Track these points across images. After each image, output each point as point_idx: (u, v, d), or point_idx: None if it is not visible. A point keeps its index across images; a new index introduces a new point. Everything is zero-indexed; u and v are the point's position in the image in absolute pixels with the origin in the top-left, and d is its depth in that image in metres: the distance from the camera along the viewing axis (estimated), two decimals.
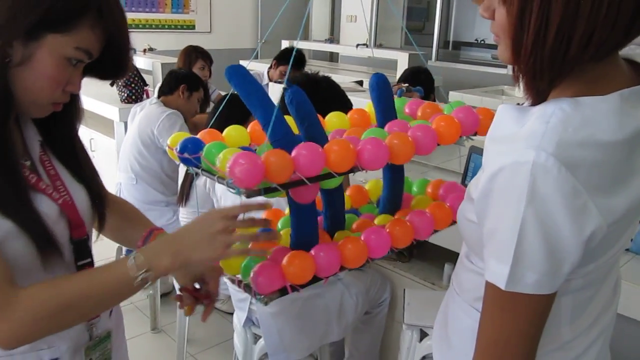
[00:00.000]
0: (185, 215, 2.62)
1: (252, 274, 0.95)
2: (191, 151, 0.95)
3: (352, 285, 1.98)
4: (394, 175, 1.23)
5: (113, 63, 0.96)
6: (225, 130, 1.05)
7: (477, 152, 2.07)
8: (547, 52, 0.71)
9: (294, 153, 0.90)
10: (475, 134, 1.18)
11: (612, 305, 0.95)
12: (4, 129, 0.87)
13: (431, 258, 2.20)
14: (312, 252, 1.00)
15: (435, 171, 2.66)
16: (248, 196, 0.86)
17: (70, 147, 1.03)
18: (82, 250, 1.00)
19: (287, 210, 1.22)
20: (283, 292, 0.98)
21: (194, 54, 3.57)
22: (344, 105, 1.73)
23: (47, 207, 0.93)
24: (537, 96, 0.80)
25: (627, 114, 0.74)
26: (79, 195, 1.01)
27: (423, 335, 1.76)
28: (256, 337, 1.97)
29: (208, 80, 3.70)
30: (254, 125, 1.11)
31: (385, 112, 1.19)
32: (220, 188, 1.99)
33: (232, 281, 1.03)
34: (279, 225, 1.20)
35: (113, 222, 1.12)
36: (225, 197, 1.96)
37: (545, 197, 0.70)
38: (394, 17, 6.70)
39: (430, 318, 1.79)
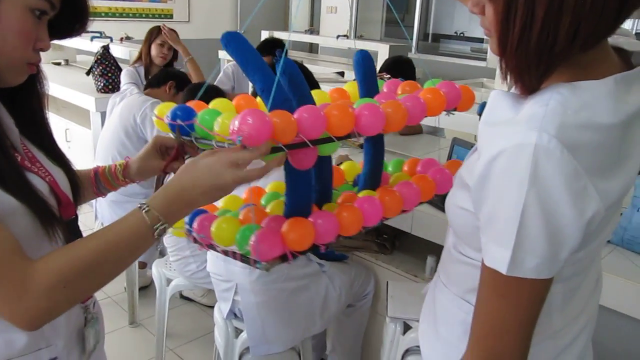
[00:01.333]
0: None
1: (252, 242, 0.94)
2: (183, 118, 0.94)
3: (336, 277, 1.97)
4: (375, 150, 1.24)
5: (74, 15, 0.94)
6: (212, 103, 1.05)
7: (459, 143, 2.07)
8: (532, 47, 0.71)
9: (296, 115, 0.91)
10: (455, 109, 1.22)
11: (595, 295, 0.96)
12: None
13: (413, 250, 2.20)
14: (311, 218, 1.01)
15: None
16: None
17: (43, 130, 1.00)
18: (73, 231, 0.97)
19: (267, 188, 1.25)
20: (284, 258, 0.98)
21: (156, 30, 3.43)
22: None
23: (39, 185, 0.89)
24: (527, 91, 0.79)
25: (621, 99, 0.74)
26: (59, 177, 0.98)
27: (406, 328, 1.76)
28: (237, 331, 1.94)
29: (173, 61, 3.49)
30: (239, 99, 1.11)
31: (369, 87, 1.20)
32: None
33: (226, 253, 1.02)
34: (263, 201, 1.20)
35: None
36: None
37: (547, 179, 0.69)
38: (374, 9, 6.68)
39: (413, 311, 1.79)
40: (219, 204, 1.20)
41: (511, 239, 0.72)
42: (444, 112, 1.19)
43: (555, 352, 0.90)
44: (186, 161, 0.94)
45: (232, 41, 0.94)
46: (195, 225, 1.06)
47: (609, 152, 0.74)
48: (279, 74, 0.97)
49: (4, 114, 0.91)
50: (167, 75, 2.90)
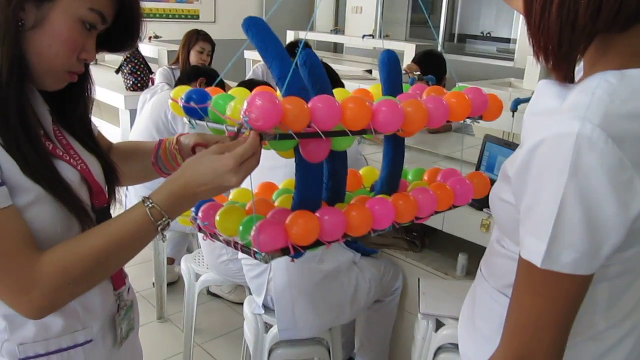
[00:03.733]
0: None
1: (253, 231, 0.92)
2: (197, 101, 0.94)
3: (367, 270, 1.97)
4: (395, 154, 1.21)
5: (125, 30, 0.95)
6: (231, 90, 1.04)
7: (491, 140, 2.04)
8: (553, 23, 0.70)
9: (310, 104, 0.89)
10: (480, 118, 1.16)
11: None
12: (21, 96, 0.84)
13: (444, 248, 2.18)
14: (317, 214, 0.97)
15: (446, 161, 2.63)
16: (262, 138, 0.85)
17: (82, 120, 1.01)
18: (105, 219, 0.97)
19: (280, 185, 1.23)
20: (285, 251, 0.95)
21: (195, 36, 3.50)
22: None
23: (69, 173, 0.90)
24: (561, 75, 0.77)
25: None
26: (93, 165, 0.99)
27: (438, 325, 1.74)
28: (267, 327, 1.94)
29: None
30: (258, 89, 1.08)
31: (393, 88, 1.17)
32: None
33: (228, 243, 1.00)
34: (274, 196, 1.19)
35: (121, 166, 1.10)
36: None
37: (589, 170, 0.67)
38: (398, 9, 6.66)
39: (445, 308, 1.77)
40: (230, 196, 1.19)
41: (547, 231, 0.70)
42: (469, 119, 1.15)
43: (596, 355, 0.85)
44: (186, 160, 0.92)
45: (253, 26, 0.93)
46: (200, 213, 1.05)
47: None
48: (299, 64, 0.97)
49: (39, 102, 0.92)
50: (197, 72, 2.91)
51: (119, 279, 1.04)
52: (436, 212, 1.17)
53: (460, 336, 1.05)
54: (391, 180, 1.22)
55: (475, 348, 0.99)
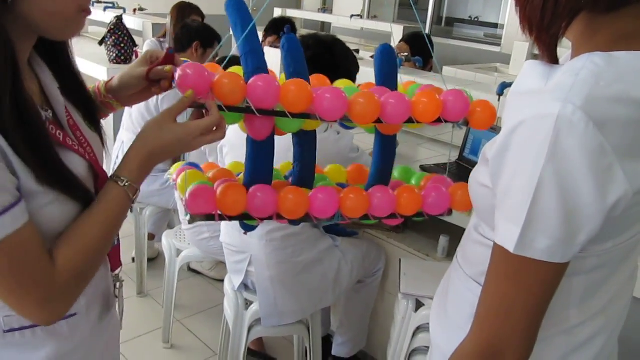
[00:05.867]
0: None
1: (187, 193, 1.04)
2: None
3: (349, 251, 1.97)
4: (384, 151, 1.20)
5: None
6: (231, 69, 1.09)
7: None
8: None
9: (250, 82, 0.96)
10: (466, 124, 1.13)
11: (625, 295, 0.88)
12: (18, 80, 0.77)
13: (426, 230, 2.19)
14: (252, 190, 1.06)
15: (430, 143, 2.64)
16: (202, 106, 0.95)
17: (80, 89, 0.97)
18: None
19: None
20: (210, 217, 1.05)
21: (187, 9, 3.43)
22: (356, 67, 1.76)
23: (78, 166, 0.88)
24: (546, 52, 0.76)
25: None
26: (96, 145, 0.97)
27: (418, 305, 1.75)
28: (247, 303, 1.94)
29: None
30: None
31: (387, 83, 1.15)
32: (222, 145, 1.94)
33: (182, 200, 1.08)
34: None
35: None
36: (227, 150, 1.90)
37: (567, 154, 0.65)
38: None
39: (426, 288, 1.78)
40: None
41: (522, 216, 0.68)
42: (457, 125, 1.12)
43: (567, 349, 0.84)
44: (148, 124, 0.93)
45: (231, 5, 1.01)
46: (175, 174, 1.19)
47: None
48: (282, 48, 1.05)
49: (49, 80, 0.89)
50: (190, 35, 2.77)
51: (115, 260, 1.05)
52: (401, 216, 1.16)
53: (432, 323, 1.03)
54: (380, 177, 1.21)
55: (446, 336, 0.97)
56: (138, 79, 1.05)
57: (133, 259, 2.86)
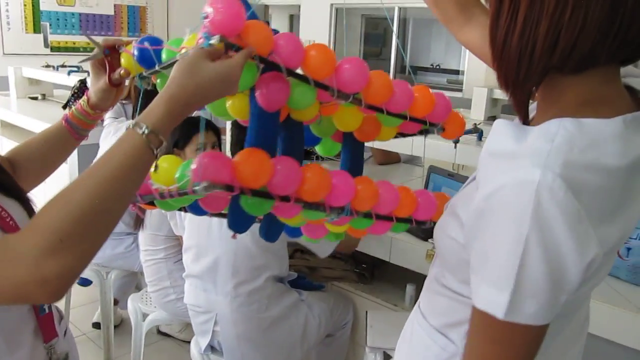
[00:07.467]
0: (143, 240, 2.51)
1: (195, 162, 0.87)
2: (152, 43, 0.99)
3: (315, 305, 1.95)
4: (352, 163, 1.20)
5: None
6: None
7: (435, 171, 2.08)
8: (513, 51, 0.71)
9: (276, 37, 0.91)
10: (442, 129, 1.18)
11: (580, 339, 0.90)
12: None
13: (393, 279, 2.19)
14: (272, 160, 0.93)
15: None
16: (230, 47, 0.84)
17: None
18: None
19: None
20: (229, 188, 0.88)
21: None
22: None
23: None
24: (520, 106, 0.78)
25: (630, 140, 0.70)
26: (15, 210, 0.92)
27: (386, 357, 1.73)
28: None
29: None
30: None
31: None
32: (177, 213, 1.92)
33: (162, 196, 0.94)
34: None
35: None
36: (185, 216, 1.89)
37: (550, 220, 0.65)
38: (352, 42, 6.80)
39: (393, 341, 1.74)
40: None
41: (509, 282, 0.68)
42: (433, 127, 1.16)
43: None
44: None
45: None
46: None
47: (611, 196, 0.69)
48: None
49: None
50: (189, 131, 2.23)
51: (49, 330, 0.96)
52: (396, 219, 1.14)
53: None
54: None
55: None
56: (106, 90, 1.09)
57: (93, 325, 2.77)
